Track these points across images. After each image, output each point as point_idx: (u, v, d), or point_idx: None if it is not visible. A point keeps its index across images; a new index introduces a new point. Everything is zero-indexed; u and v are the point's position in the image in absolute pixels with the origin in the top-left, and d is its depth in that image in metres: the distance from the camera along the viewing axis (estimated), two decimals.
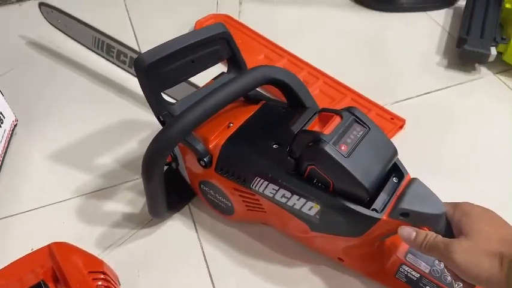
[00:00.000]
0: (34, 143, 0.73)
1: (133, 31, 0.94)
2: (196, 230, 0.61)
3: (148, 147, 0.52)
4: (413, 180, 0.48)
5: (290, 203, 0.50)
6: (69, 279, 0.46)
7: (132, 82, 0.77)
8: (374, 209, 0.47)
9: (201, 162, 0.55)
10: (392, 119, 0.73)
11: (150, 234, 0.61)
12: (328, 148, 0.46)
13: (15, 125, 0.74)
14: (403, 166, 0.50)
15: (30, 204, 0.65)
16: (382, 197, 0.48)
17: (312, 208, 0.49)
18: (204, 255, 0.59)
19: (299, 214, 0.51)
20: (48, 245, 0.50)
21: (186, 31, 0.90)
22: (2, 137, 0.69)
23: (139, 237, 0.61)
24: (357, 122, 0.49)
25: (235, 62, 0.59)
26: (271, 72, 0.55)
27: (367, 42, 0.91)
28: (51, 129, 0.75)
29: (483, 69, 0.83)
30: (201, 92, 0.56)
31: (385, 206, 0.47)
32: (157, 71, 0.52)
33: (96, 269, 0.51)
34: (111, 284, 0.50)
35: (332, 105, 0.75)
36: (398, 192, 0.47)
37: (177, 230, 0.62)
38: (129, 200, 0.65)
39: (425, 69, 0.84)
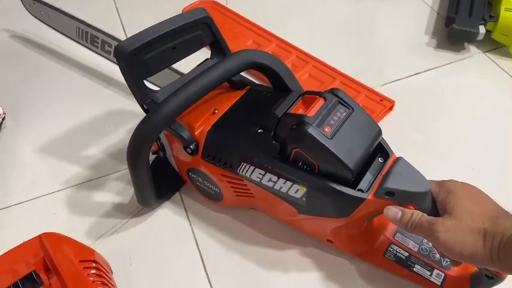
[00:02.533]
0: (23, 135, 0.73)
1: (121, 20, 0.93)
2: (188, 217, 0.62)
3: (132, 136, 0.52)
4: (398, 159, 0.49)
5: (277, 187, 0.50)
6: (60, 269, 0.47)
7: (118, 72, 0.77)
8: (360, 189, 0.47)
9: (187, 149, 0.55)
10: (381, 100, 0.73)
11: (141, 222, 0.61)
12: (312, 130, 0.46)
13: (3, 118, 0.74)
14: (388, 146, 0.50)
15: (21, 197, 0.65)
16: (367, 177, 0.48)
17: (298, 191, 0.49)
18: (196, 242, 0.59)
19: (286, 197, 0.51)
20: (39, 235, 0.51)
21: None
22: None
23: (130, 226, 0.61)
24: (340, 103, 0.49)
25: (218, 48, 0.59)
26: (254, 56, 0.55)
27: (356, 25, 0.90)
28: (40, 122, 0.75)
29: (472, 48, 0.83)
30: (185, 79, 0.55)
31: (370, 185, 0.47)
32: (139, 58, 0.52)
33: (87, 258, 0.51)
34: (103, 272, 0.51)
35: (321, 88, 0.75)
36: (383, 172, 0.48)
37: (169, 218, 0.62)
38: (119, 189, 0.65)
39: (414, 50, 0.84)
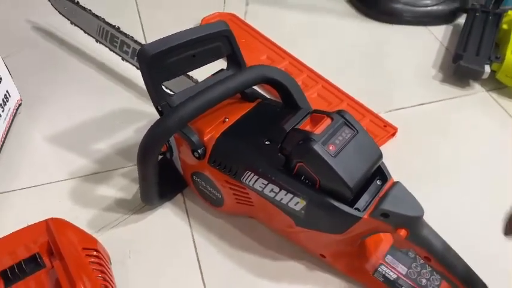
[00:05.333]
0: (36, 123, 0.75)
1: (141, 23, 0.96)
2: (188, 219, 0.64)
3: (146, 135, 0.54)
4: (395, 183, 0.51)
5: (278, 198, 0.53)
6: (64, 254, 0.48)
7: (133, 72, 0.80)
8: (356, 208, 0.49)
9: (195, 153, 0.57)
10: (385, 126, 0.75)
11: (142, 219, 0.63)
12: (317, 147, 0.48)
13: (20, 105, 0.76)
14: (387, 170, 0.53)
15: (29, 182, 0.67)
16: (365, 198, 0.50)
17: (298, 203, 0.51)
18: (194, 244, 0.61)
19: (285, 209, 0.53)
20: (46, 220, 0.53)
21: (191, 26, 0.94)
22: (7, 115, 0.71)
23: (131, 222, 0.63)
24: (346, 124, 0.51)
25: (235, 60, 0.61)
26: (269, 72, 0.57)
27: (367, 51, 0.93)
28: (53, 112, 0.77)
29: (476, 86, 0.86)
30: (199, 86, 0.58)
31: (367, 205, 0.49)
32: (159, 62, 0.55)
33: (90, 246, 0.53)
34: (103, 261, 0.52)
35: (328, 108, 0.77)
36: (380, 194, 0.50)
37: (170, 218, 0.64)
38: (123, 185, 0.67)
39: (420, 81, 0.87)
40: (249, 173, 0.54)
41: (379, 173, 0.52)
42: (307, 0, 1.05)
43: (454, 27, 0.99)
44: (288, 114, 0.55)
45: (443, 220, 0.54)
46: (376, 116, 0.77)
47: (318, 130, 0.50)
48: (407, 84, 0.86)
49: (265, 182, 0.53)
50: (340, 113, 0.52)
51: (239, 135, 0.57)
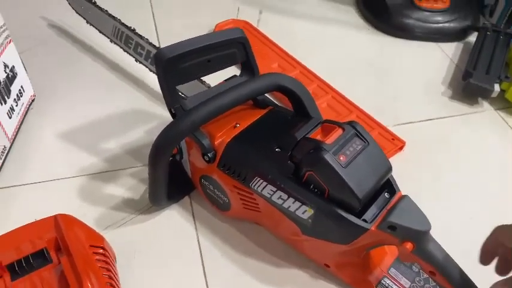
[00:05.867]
0: (48, 119, 0.76)
1: (156, 27, 0.97)
2: (194, 222, 0.64)
3: (158, 136, 0.55)
4: (403, 197, 0.51)
5: (286, 205, 0.53)
6: (72, 250, 0.49)
7: (146, 74, 0.81)
8: (364, 220, 0.49)
9: (205, 157, 0.58)
10: (393, 139, 0.75)
11: (149, 220, 0.64)
12: (328, 157, 0.49)
13: (33, 100, 0.77)
14: (396, 183, 0.53)
15: (38, 177, 0.68)
16: (372, 209, 0.50)
17: (305, 212, 0.52)
18: (199, 247, 0.61)
19: (293, 216, 0.53)
20: (55, 215, 0.53)
21: (205, 32, 0.95)
22: (20, 110, 0.72)
23: (138, 222, 0.63)
24: (357, 136, 0.52)
25: (249, 67, 0.62)
26: (281, 80, 0.58)
27: (377, 64, 0.94)
28: (66, 109, 0.78)
29: (485, 104, 0.87)
30: (212, 91, 0.59)
31: (375, 217, 0.50)
32: (175, 65, 0.55)
33: (97, 244, 0.53)
34: (109, 260, 0.53)
35: (338, 119, 0.77)
36: (388, 207, 0.50)
37: (176, 220, 0.64)
38: (132, 185, 0.68)
39: (429, 97, 0.87)
40: (258, 179, 0.54)
41: (388, 186, 0.53)
42: (320, 11, 1.06)
43: (465, 45, 1.00)
44: (299, 123, 0.56)
45: (444, 236, 0.54)
46: (385, 129, 0.77)
47: (329, 140, 0.50)
48: (416, 99, 0.87)
49: (274, 189, 0.53)
50: (351, 123, 0.53)
51: (249, 141, 0.57)
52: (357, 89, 0.85)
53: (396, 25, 1.02)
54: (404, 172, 0.71)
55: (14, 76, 0.70)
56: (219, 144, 0.58)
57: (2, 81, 0.66)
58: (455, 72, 0.93)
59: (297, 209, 0.52)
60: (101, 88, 0.82)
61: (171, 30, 0.96)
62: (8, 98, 0.68)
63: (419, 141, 0.77)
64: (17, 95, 0.71)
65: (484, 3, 1.06)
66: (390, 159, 0.72)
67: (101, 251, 0.53)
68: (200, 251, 0.61)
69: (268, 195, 0.54)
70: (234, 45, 0.59)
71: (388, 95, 0.87)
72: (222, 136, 0.58)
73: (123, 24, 0.80)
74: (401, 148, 0.75)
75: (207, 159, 0.58)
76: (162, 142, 0.55)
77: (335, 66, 0.92)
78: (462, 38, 1.02)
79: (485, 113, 0.85)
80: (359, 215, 0.50)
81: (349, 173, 0.49)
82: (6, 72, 0.67)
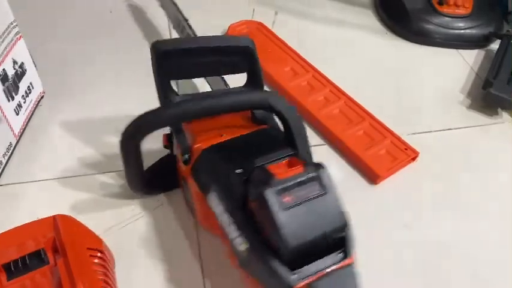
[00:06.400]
0: (56, 117, 0.76)
1: (169, 26, 0.96)
2: (196, 227, 0.63)
3: (135, 119, 0.53)
4: (349, 265, 0.46)
5: (227, 230, 0.50)
6: (68, 252, 0.48)
7: None
8: (295, 274, 0.44)
9: (182, 157, 0.57)
10: (406, 149, 0.73)
11: (151, 223, 0.63)
12: (268, 193, 0.43)
13: (42, 97, 0.77)
14: (353, 246, 0.47)
15: (43, 175, 0.67)
16: (314, 266, 0.44)
17: (242, 244, 0.48)
18: (199, 252, 0.60)
19: (232, 244, 0.50)
20: (54, 215, 0.52)
21: (218, 33, 0.93)
22: (28, 107, 0.72)
23: (140, 225, 0.62)
24: (317, 180, 0.46)
25: (253, 79, 0.60)
26: (273, 101, 0.53)
27: (394, 71, 0.91)
28: (75, 107, 0.77)
29: (505, 115, 0.83)
30: (203, 94, 0.58)
31: (308, 276, 0.44)
32: (170, 60, 0.54)
33: (95, 246, 0.52)
34: (107, 263, 0.52)
35: (349, 126, 0.76)
36: (327, 270, 0.44)
37: (177, 225, 0.63)
38: None
39: (447, 105, 0.84)
40: (213, 194, 0.52)
41: (343, 246, 0.46)
42: (336, 14, 1.04)
43: (486, 53, 0.97)
44: (272, 149, 0.52)
45: (455, 250, 0.51)
46: (398, 138, 0.75)
47: (283, 175, 0.45)
48: (432, 107, 0.84)
49: (223, 210, 0.50)
50: (318, 166, 0.47)
51: (221, 154, 0.54)
52: (371, 95, 0.83)
53: (416, 30, 0.99)
54: (416, 184, 0.70)
55: (23, 73, 0.70)
56: (196, 149, 0.56)
57: (10, 77, 0.66)
58: (475, 81, 0.90)
59: (235, 238, 0.48)
60: (112, 87, 0.82)
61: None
62: (16, 94, 0.68)
63: (433, 152, 0.75)
64: (26, 91, 0.71)
65: (507, 9, 1.02)
66: (402, 170, 0.71)
67: (99, 254, 0.52)
68: (200, 257, 0.60)
69: (218, 213, 0.51)
70: (238, 54, 0.57)
71: (403, 103, 0.84)
72: (202, 141, 0.56)
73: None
74: (414, 159, 0.72)
75: (184, 160, 0.57)
76: (135, 125, 0.53)
77: (349, 71, 0.89)
78: (484, 45, 0.98)
79: (505, 124, 0.82)
80: (293, 266, 0.44)
81: (287, 216, 0.43)
82: (15, 69, 0.67)
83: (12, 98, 0.67)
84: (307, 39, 0.96)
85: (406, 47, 0.97)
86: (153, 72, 0.56)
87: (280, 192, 0.44)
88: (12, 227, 0.52)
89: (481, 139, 0.79)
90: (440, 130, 0.79)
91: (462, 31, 0.97)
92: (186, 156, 0.56)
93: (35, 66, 0.74)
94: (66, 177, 0.67)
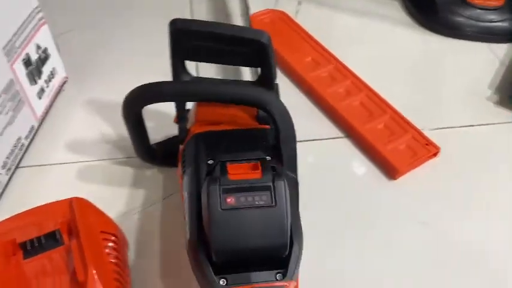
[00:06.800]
0: (79, 102, 0.77)
1: (191, 10, 0.96)
2: None
3: (134, 88, 0.54)
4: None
5: (184, 216, 0.49)
6: (81, 234, 0.49)
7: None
8: (223, 278, 0.43)
9: (180, 135, 0.59)
10: (427, 144, 0.71)
11: (168, 210, 0.63)
12: (212, 189, 0.43)
13: (65, 82, 0.78)
14: (295, 270, 0.44)
15: (63, 158, 0.69)
16: (241, 277, 0.43)
17: (187, 233, 0.47)
18: None
19: (185, 227, 0.49)
20: (70, 198, 0.53)
21: (239, 21, 0.93)
22: (51, 91, 0.73)
23: (157, 211, 0.63)
24: (270, 191, 0.43)
25: (264, 76, 0.59)
26: (267, 101, 0.51)
27: (418, 63, 0.89)
28: (97, 92, 0.78)
29: None
30: (208, 80, 0.60)
31: (231, 284, 0.43)
32: (183, 39, 0.55)
33: (109, 230, 0.53)
34: (120, 247, 0.53)
35: (370, 119, 0.74)
36: (255, 285, 0.43)
37: None
38: (154, 174, 0.67)
39: (473, 101, 0.81)
40: (185, 178, 0.52)
41: (285, 267, 0.44)
42: (362, 4, 1.02)
43: None
44: (250, 150, 0.51)
45: (473, 251, 0.50)
46: (419, 133, 0.73)
47: (235, 177, 0.44)
48: (457, 102, 0.81)
49: (186, 196, 0.50)
50: (277, 177, 0.44)
51: (207, 142, 0.54)
52: (394, 88, 0.81)
53: (444, 22, 0.95)
54: (435, 180, 0.68)
55: (47, 57, 0.71)
56: (192, 130, 0.57)
57: (33, 62, 0.67)
58: (504, 76, 0.86)
59: (186, 225, 0.48)
60: (135, 75, 0.82)
61: (204, 16, 0.95)
62: (39, 79, 0.69)
63: (456, 148, 0.72)
64: (48, 76, 0.72)
65: None
66: (422, 166, 0.69)
67: (113, 238, 0.52)
68: None
69: (184, 198, 0.51)
70: (250, 47, 0.55)
71: (427, 97, 0.82)
72: (200, 125, 0.57)
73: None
74: (435, 154, 0.70)
75: (180, 138, 0.58)
76: (129, 95, 0.55)
77: (373, 63, 0.87)
78: None
79: None
80: (220, 271, 0.43)
81: (223, 217, 0.42)
82: (38, 54, 0.68)
83: (35, 82, 0.68)
84: (330, 30, 0.94)
85: (433, 39, 0.94)
86: (170, 48, 0.57)
87: (225, 191, 0.43)
88: (30, 207, 0.53)
89: (507, 137, 0.76)
90: (464, 126, 0.77)
91: (493, 24, 0.94)
92: (182, 136, 0.58)
93: (58, 51, 0.75)
94: (85, 162, 0.69)
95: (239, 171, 0.45)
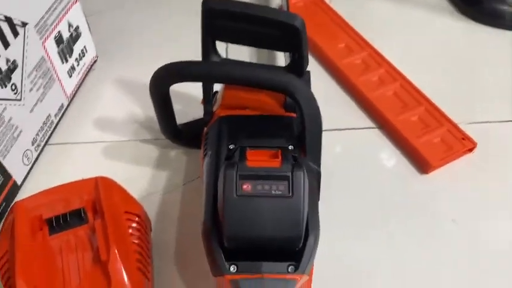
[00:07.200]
0: (108, 81, 0.77)
1: None
2: None
3: (166, 65, 0.54)
4: (293, 281, 0.42)
5: (202, 199, 0.49)
6: (105, 214, 0.49)
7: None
8: (234, 265, 0.42)
9: (204, 116, 0.59)
10: (463, 139, 0.68)
11: (191, 194, 0.63)
12: (228, 174, 0.42)
13: (95, 61, 0.78)
14: (308, 263, 0.43)
15: (92, 137, 0.69)
16: (251, 265, 0.42)
17: (203, 215, 0.47)
18: None
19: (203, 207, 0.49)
20: (96, 177, 0.54)
21: (274, 5, 0.91)
22: (81, 70, 0.74)
23: (180, 194, 0.63)
24: (288, 182, 0.42)
25: (294, 62, 0.57)
26: (292, 86, 0.49)
27: (458, 54, 0.85)
28: (127, 73, 0.78)
29: None
30: (236, 62, 0.59)
31: (241, 271, 0.42)
32: (216, 20, 0.54)
33: (133, 211, 0.53)
34: (142, 228, 0.53)
35: (403, 110, 0.71)
36: (265, 275, 0.42)
37: None
38: (180, 156, 0.67)
39: None
40: (206, 161, 0.52)
41: (298, 260, 0.43)
42: None
43: None
44: (272, 137, 0.50)
45: (505, 253, 0.47)
46: (455, 126, 0.69)
47: (254, 163, 0.43)
48: (498, 96, 0.77)
49: (204, 178, 0.50)
50: (296, 167, 0.43)
51: (230, 126, 0.53)
52: (430, 79, 0.77)
53: (488, 11, 0.90)
54: (469, 178, 0.65)
55: (78, 36, 0.71)
56: (217, 113, 0.56)
57: (65, 40, 0.67)
58: None
59: (202, 208, 0.47)
60: (165, 56, 0.81)
61: None
62: (70, 57, 0.69)
63: (493, 144, 0.69)
64: (79, 54, 0.72)
65: None
66: (456, 161, 0.66)
67: (136, 218, 0.52)
68: None
69: (203, 181, 0.50)
70: (284, 30, 0.53)
71: (465, 89, 0.78)
72: (224, 108, 0.56)
73: None
74: (471, 150, 0.67)
75: (205, 120, 0.58)
76: (155, 74, 0.55)
77: (409, 52, 0.84)
78: None
79: None
80: (231, 257, 0.43)
81: (237, 203, 0.41)
82: (70, 32, 0.69)
83: (66, 61, 0.68)
84: (366, 16, 0.91)
85: (475, 29, 0.90)
86: (201, 27, 0.56)
87: (242, 177, 0.42)
88: (57, 183, 0.54)
89: None
90: (503, 121, 0.73)
91: None
92: (207, 116, 0.57)
93: (90, 30, 0.75)
94: (113, 141, 0.69)
95: (258, 158, 0.44)
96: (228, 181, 0.42)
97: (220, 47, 0.59)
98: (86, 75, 0.76)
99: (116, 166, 0.66)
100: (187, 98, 0.73)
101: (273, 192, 0.42)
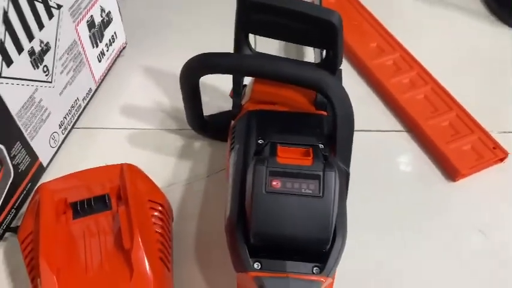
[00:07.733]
0: (136, 68, 0.77)
1: None
2: None
3: (198, 55, 0.53)
4: (317, 282, 0.41)
5: (227, 193, 0.49)
6: (130, 201, 0.49)
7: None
8: (258, 262, 0.42)
9: (233, 109, 0.58)
10: (494, 148, 0.66)
11: (214, 185, 0.62)
12: (258, 169, 0.41)
13: (124, 48, 0.78)
14: (334, 266, 0.42)
15: (118, 123, 0.69)
16: (276, 264, 0.42)
17: (228, 210, 0.47)
18: None
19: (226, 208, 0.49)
20: (121, 164, 0.54)
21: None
22: (110, 55, 0.74)
23: (203, 185, 0.63)
24: (319, 181, 0.41)
25: (328, 59, 0.56)
26: (326, 86, 0.48)
27: (492, 59, 0.82)
28: (156, 61, 0.78)
29: None
30: (268, 56, 0.58)
31: (265, 269, 0.41)
32: (251, 12, 0.53)
33: (157, 199, 0.53)
34: (165, 217, 0.52)
35: (434, 115, 0.69)
36: (289, 275, 0.41)
37: None
38: (205, 148, 0.67)
39: None
40: (233, 154, 0.51)
41: (324, 262, 0.42)
42: None
43: None
44: (303, 135, 0.49)
45: None
46: (486, 135, 0.67)
47: (285, 160, 0.42)
48: None
49: (231, 172, 0.50)
50: (328, 167, 0.42)
51: (259, 121, 0.53)
52: (462, 84, 0.75)
53: None
54: (498, 188, 0.63)
55: (109, 21, 0.71)
56: (245, 107, 0.56)
57: (97, 24, 0.67)
58: None
59: (227, 202, 0.47)
60: (195, 46, 0.79)
61: None
62: (100, 42, 0.69)
63: None
64: (109, 40, 0.72)
65: None
66: (486, 170, 0.64)
67: (159, 207, 0.52)
68: None
69: (229, 175, 0.50)
70: (319, 26, 0.52)
71: (498, 96, 0.76)
72: (254, 102, 0.56)
73: None
74: (502, 160, 0.65)
75: (233, 113, 0.57)
76: (189, 62, 0.54)
77: (442, 55, 0.82)
78: None
79: None
80: (256, 253, 0.42)
81: (265, 200, 0.40)
82: (102, 17, 0.69)
83: (97, 45, 0.68)
84: (399, 16, 0.89)
85: (510, 34, 0.87)
86: (235, 19, 0.55)
87: (272, 174, 0.41)
88: (81, 168, 0.54)
89: None
90: None
91: None
92: (236, 109, 0.57)
93: (121, 16, 0.75)
94: (139, 129, 0.69)
95: (289, 155, 0.43)
96: (257, 177, 0.41)
97: (251, 40, 0.58)
98: (115, 61, 0.76)
99: (140, 154, 0.66)
100: (214, 89, 0.73)
101: (303, 191, 0.41)
